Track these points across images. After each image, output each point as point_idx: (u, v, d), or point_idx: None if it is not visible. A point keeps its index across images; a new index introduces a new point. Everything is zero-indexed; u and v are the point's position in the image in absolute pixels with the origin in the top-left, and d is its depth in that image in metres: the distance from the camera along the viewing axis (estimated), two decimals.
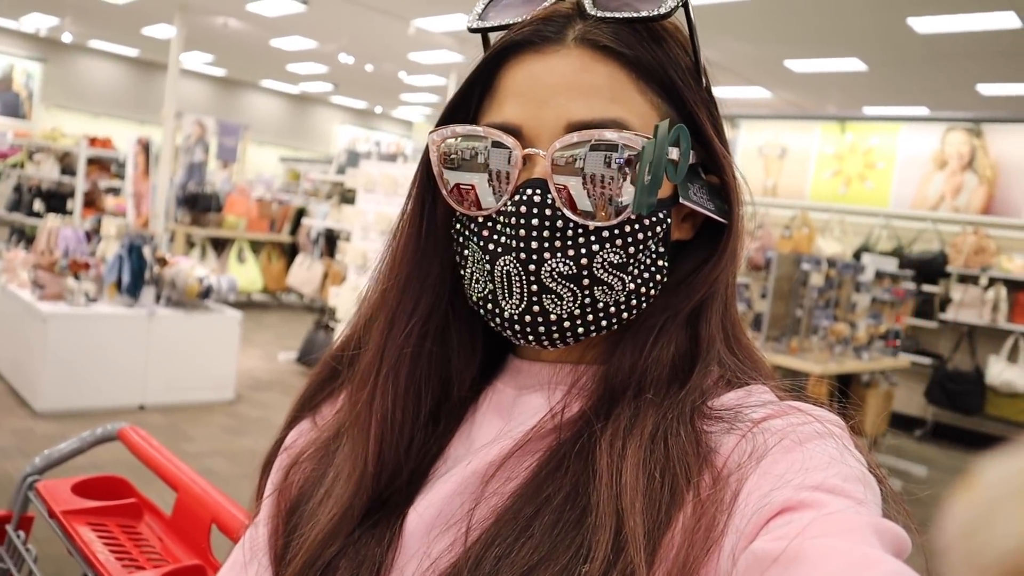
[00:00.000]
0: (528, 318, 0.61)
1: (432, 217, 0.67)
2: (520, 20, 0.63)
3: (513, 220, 0.60)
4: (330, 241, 8.64)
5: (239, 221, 9.27)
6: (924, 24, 6.81)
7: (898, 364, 5.74)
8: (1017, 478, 0.25)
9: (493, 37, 0.67)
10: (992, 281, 6.90)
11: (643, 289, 0.63)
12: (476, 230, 0.63)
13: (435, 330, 0.67)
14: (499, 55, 0.63)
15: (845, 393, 5.39)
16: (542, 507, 0.56)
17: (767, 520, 0.48)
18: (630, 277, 0.62)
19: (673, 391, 0.61)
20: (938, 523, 0.27)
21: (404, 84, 14.05)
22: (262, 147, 17.37)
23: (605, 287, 0.61)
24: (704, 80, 0.65)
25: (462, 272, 0.66)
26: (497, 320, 0.63)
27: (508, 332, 0.63)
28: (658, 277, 0.64)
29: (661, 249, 0.64)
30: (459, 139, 0.63)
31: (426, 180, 0.67)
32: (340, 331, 0.78)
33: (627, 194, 0.59)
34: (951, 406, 6.97)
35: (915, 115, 8.87)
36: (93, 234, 5.90)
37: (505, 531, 0.56)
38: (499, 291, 0.62)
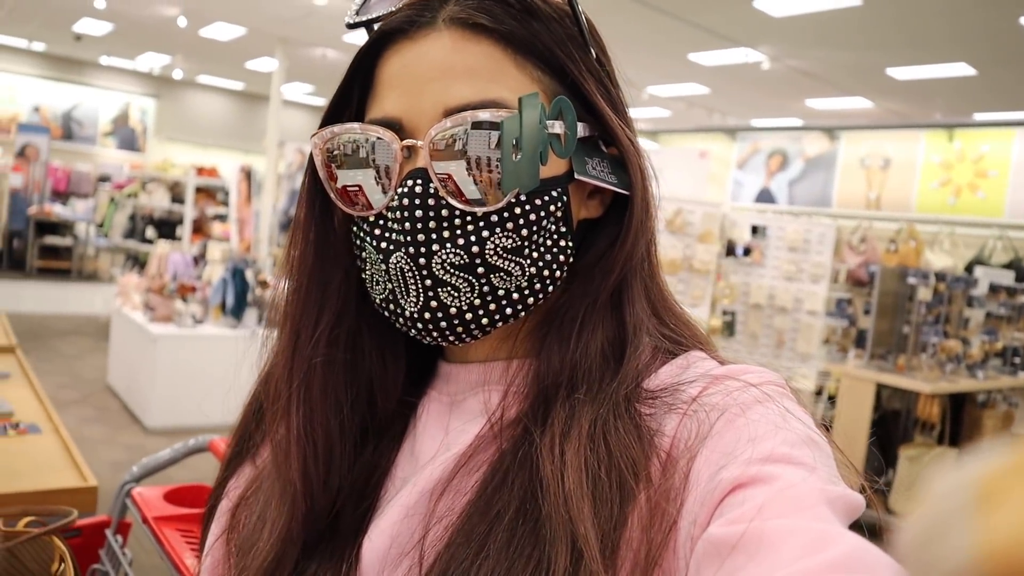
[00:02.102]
0: (427, 315, 0.59)
1: (327, 222, 0.65)
2: (391, 9, 0.61)
3: (399, 214, 0.58)
4: None
5: None
6: None
7: (1018, 383, 5.39)
8: (970, 490, 0.24)
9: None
10: None
11: (546, 272, 0.61)
12: (369, 230, 0.61)
13: (346, 338, 0.65)
14: (373, 47, 0.61)
15: (959, 414, 5.10)
16: (494, 524, 0.54)
17: (720, 500, 0.47)
18: (529, 261, 0.60)
19: (606, 383, 0.58)
20: (895, 536, 0.27)
21: None
22: None
23: (502, 274, 0.59)
24: (593, 50, 0.62)
25: (364, 275, 0.64)
26: (400, 320, 0.61)
27: (412, 331, 0.61)
28: (561, 258, 0.61)
29: (563, 229, 0.61)
30: (340, 139, 0.61)
31: (313, 185, 0.65)
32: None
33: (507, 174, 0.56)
34: None
35: None
36: (200, 259, 6.17)
37: (460, 554, 0.54)
38: (397, 290, 0.60)
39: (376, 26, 0.63)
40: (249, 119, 16.53)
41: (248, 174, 6.15)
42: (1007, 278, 5.90)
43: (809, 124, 10.56)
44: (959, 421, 5.12)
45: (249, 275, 5.54)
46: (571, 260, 0.62)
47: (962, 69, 8.12)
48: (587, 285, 0.62)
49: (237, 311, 5.45)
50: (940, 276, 5.03)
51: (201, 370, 5.23)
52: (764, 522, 0.42)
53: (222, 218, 9.15)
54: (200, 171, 8.97)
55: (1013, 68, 7.90)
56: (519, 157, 0.55)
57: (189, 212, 8.43)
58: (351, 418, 0.65)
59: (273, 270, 8.52)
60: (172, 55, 13.02)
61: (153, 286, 5.64)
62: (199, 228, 8.74)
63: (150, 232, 9.12)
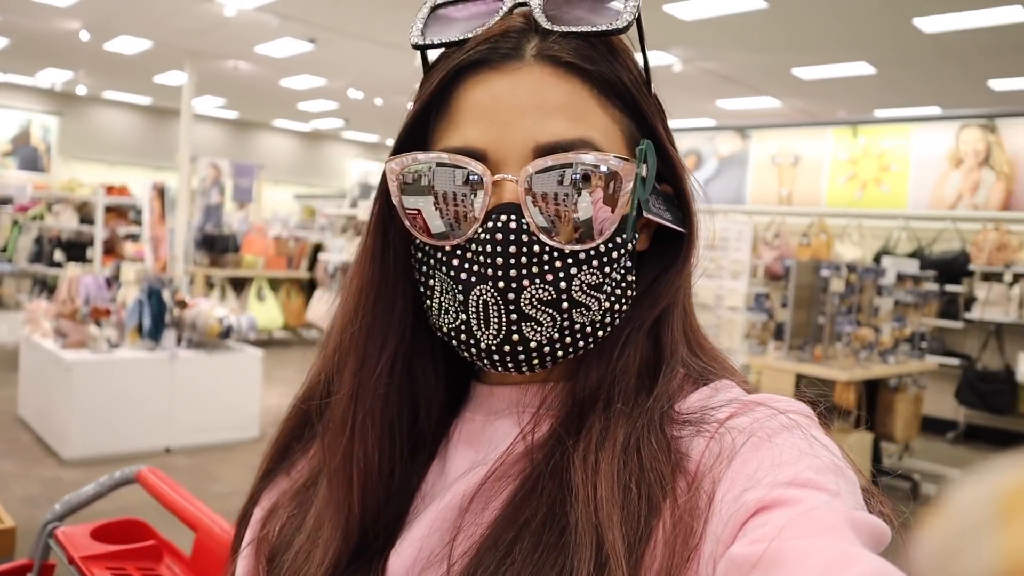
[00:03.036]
0: (507, 348, 0.59)
1: (395, 249, 0.65)
2: (467, 36, 0.61)
3: (488, 248, 0.58)
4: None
5: (257, 260, 9.35)
6: (931, 23, 6.78)
7: (926, 367, 5.65)
8: (987, 506, 0.24)
9: (431, 53, 0.65)
10: (1016, 277, 6.80)
11: (616, 306, 0.62)
12: (444, 259, 0.61)
13: (402, 366, 0.65)
14: (455, 74, 0.60)
15: (873, 399, 5.31)
16: (521, 531, 0.55)
17: (743, 522, 0.47)
18: (604, 296, 0.61)
19: (641, 399, 0.60)
20: (912, 548, 0.26)
21: None
22: (277, 186, 17.56)
23: (583, 308, 0.60)
24: (652, 89, 0.64)
25: (427, 303, 0.64)
26: (473, 351, 0.61)
27: (485, 362, 0.61)
28: (629, 292, 0.63)
29: (629, 264, 0.63)
30: (421, 166, 0.60)
31: (387, 211, 0.64)
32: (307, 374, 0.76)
33: (601, 214, 0.58)
34: (983, 406, 6.84)
35: (927, 115, 8.81)
36: (113, 281, 5.96)
37: (487, 559, 0.55)
38: (474, 321, 0.60)
39: (440, 51, 0.63)
40: (159, 135, 16.05)
41: (161, 191, 5.96)
42: (912, 267, 6.17)
43: (721, 124, 10.84)
44: (873, 406, 5.33)
45: (166, 295, 5.37)
46: (634, 293, 0.64)
47: (862, 68, 8.48)
48: (634, 311, 0.64)
49: (155, 333, 5.27)
50: (851, 267, 5.22)
51: (120, 396, 5.04)
52: (785, 541, 0.43)
53: (135, 238, 8.85)
54: (110, 190, 8.66)
55: (909, 66, 8.29)
56: (631, 207, 0.58)
57: (99, 233, 8.13)
58: (402, 443, 0.65)
59: (190, 289, 8.28)
60: (75, 70, 12.54)
61: (64, 311, 5.41)
62: (111, 249, 8.44)
63: (58, 255, 8.75)
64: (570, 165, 0.57)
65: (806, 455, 0.50)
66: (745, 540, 0.45)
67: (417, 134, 0.63)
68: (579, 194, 0.57)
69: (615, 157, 0.57)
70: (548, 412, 0.61)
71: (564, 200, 0.57)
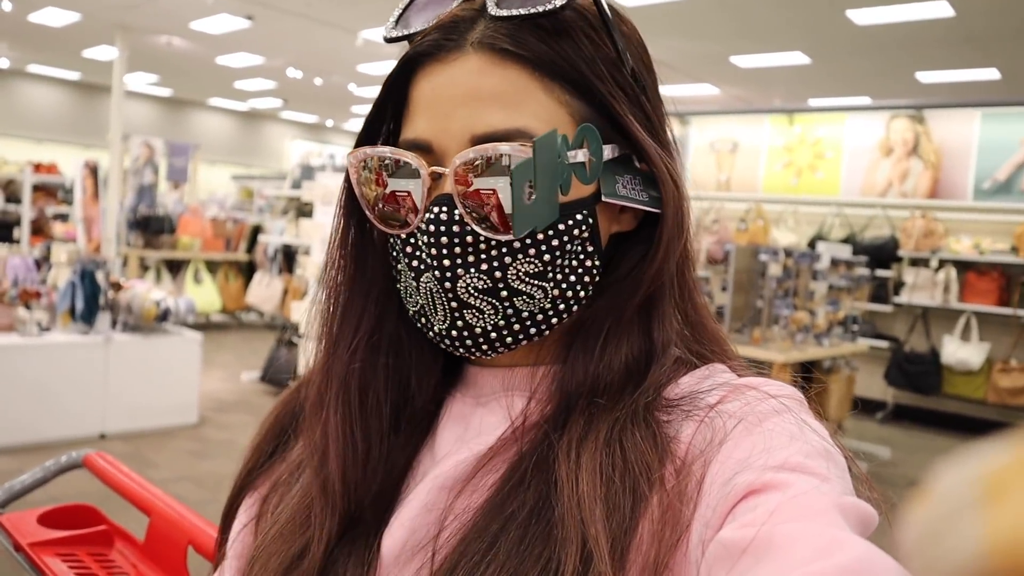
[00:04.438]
0: (455, 332, 0.61)
1: (366, 236, 0.67)
2: (424, 27, 0.61)
3: (426, 238, 0.59)
4: (288, 257, 8.55)
5: (193, 242, 9.14)
6: (862, 16, 6.96)
7: (857, 349, 5.84)
8: (971, 488, 0.24)
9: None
10: (942, 263, 7.07)
11: (569, 292, 0.61)
12: (401, 247, 0.63)
13: (387, 342, 0.66)
14: (405, 68, 0.62)
15: (809, 380, 5.47)
16: (507, 523, 0.55)
17: (733, 506, 0.48)
18: (552, 284, 0.61)
19: (627, 393, 0.60)
20: (897, 531, 0.27)
21: (354, 96, 13.94)
22: (213, 166, 17.15)
23: (525, 297, 0.60)
24: (629, 65, 0.61)
25: (399, 285, 0.66)
26: (431, 334, 0.63)
27: (443, 344, 0.63)
28: (587, 279, 0.62)
29: (590, 248, 0.62)
30: (373, 159, 0.62)
31: (349, 202, 0.66)
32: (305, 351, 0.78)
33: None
34: (910, 387, 7.11)
35: (859, 105, 9.06)
36: (43, 262, 5.76)
37: (471, 550, 0.55)
38: (426, 306, 0.62)
39: (403, 45, 0.63)
40: (89, 111, 15.50)
41: (94, 170, 5.77)
42: (845, 252, 6.35)
43: None
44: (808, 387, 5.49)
45: (100, 277, 5.22)
46: (597, 278, 0.63)
47: (798, 58, 8.66)
48: (613, 300, 0.62)
49: (88, 316, 5.12)
50: (788, 252, 5.35)
51: (52, 381, 4.89)
52: (775, 526, 0.43)
53: (64, 218, 8.56)
54: (37, 168, 8.35)
55: (842, 57, 8.50)
56: (533, 199, 0.54)
57: (27, 212, 7.84)
58: (389, 419, 0.66)
59: (123, 271, 8.04)
60: None
61: None
62: (39, 229, 8.15)
63: None
64: (490, 156, 0.57)
65: (796, 439, 0.51)
66: (735, 524, 0.45)
67: (377, 127, 0.65)
68: (502, 186, 0.57)
69: (526, 154, 0.56)
70: (538, 401, 0.62)
71: (491, 190, 0.57)
